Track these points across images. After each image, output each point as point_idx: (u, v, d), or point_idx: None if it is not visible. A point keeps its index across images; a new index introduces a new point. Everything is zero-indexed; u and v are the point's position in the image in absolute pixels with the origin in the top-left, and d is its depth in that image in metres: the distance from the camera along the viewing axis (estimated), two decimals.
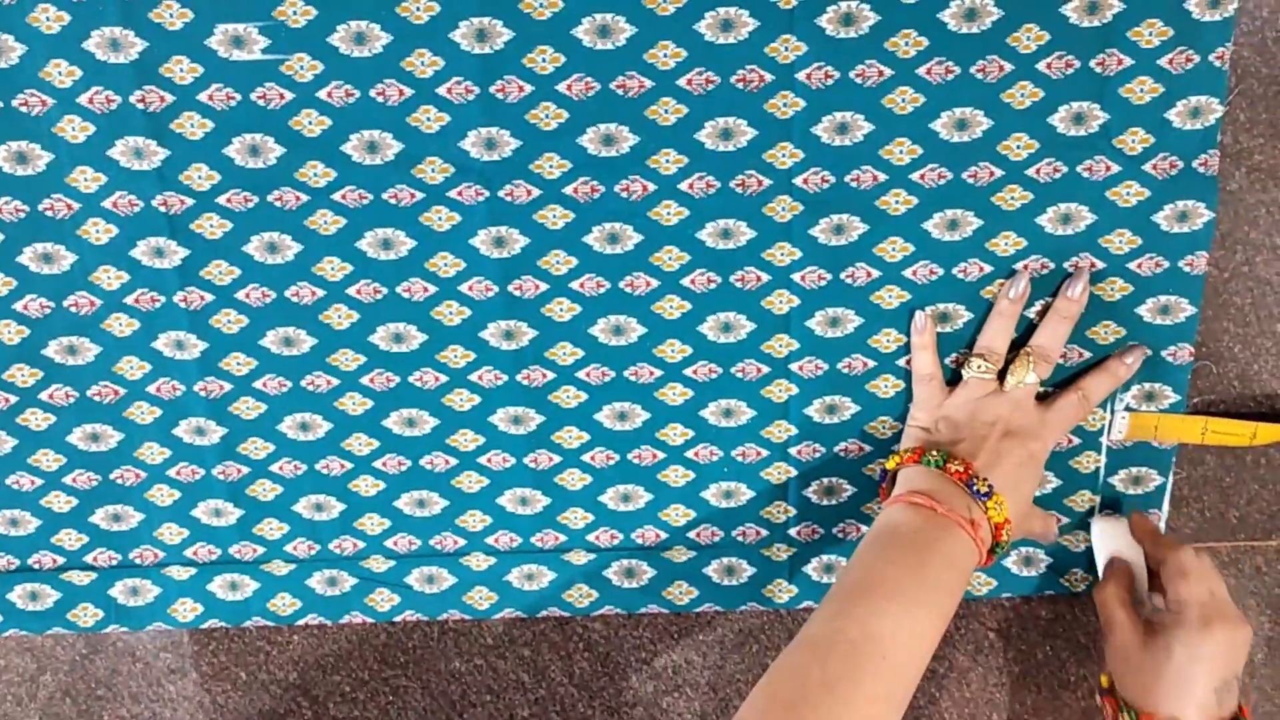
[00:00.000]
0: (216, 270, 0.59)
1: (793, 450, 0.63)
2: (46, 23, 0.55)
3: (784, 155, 0.57)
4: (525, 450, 0.63)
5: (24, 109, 0.56)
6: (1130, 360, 0.60)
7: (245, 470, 0.64)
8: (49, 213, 0.58)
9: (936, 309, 0.60)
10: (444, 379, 0.62)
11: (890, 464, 0.58)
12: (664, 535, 0.65)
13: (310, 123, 0.57)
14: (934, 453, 0.56)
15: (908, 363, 0.61)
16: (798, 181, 0.58)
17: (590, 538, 0.65)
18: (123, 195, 0.58)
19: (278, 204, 0.58)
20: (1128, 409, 0.62)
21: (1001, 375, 0.59)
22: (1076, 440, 0.62)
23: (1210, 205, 0.58)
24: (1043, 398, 0.60)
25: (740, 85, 0.56)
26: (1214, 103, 0.56)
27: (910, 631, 0.50)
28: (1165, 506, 0.64)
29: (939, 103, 0.56)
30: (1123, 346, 0.60)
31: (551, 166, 0.58)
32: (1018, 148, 0.57)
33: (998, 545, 0.55)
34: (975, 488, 0.54)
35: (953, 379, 0.61)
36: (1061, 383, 0.60)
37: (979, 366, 0.59)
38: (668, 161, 0.58)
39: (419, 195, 0.58)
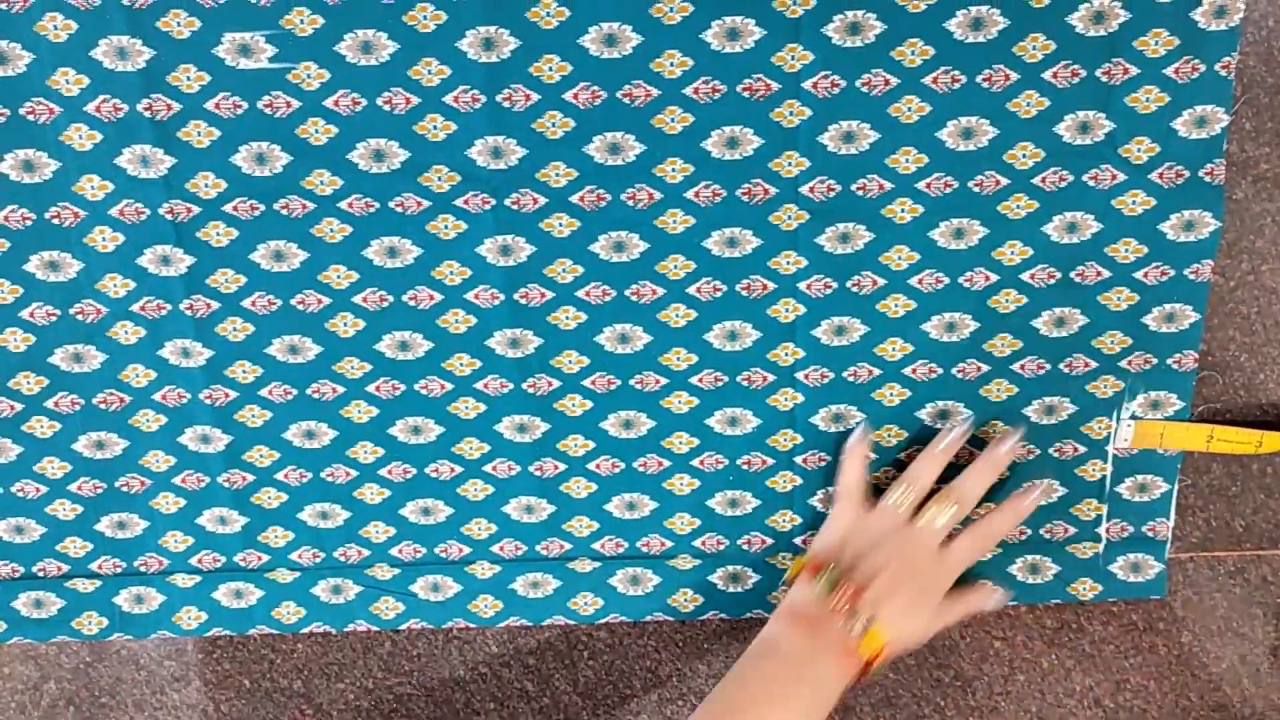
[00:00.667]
0: (223, 278, 0.60)
1: (798, 459, 0.63)
2: (54, 31, 0.55)
3: (790, 164, 0.58)
4: (531, 458, 0.63)
5: (31, 117, 0.56)
6: (1032, 499, 0.61)
7: (250, 478, 0.64)
8: (56, 221, 0.58)
9: (869, 429, 0.62)
10: (450, 387, 0.62)
11: (792, 569, 0.60)
12: (669, 543, 0.65)
13: (317, 131, 0.57)
14: (831, 569, 0.57)
15: (913, 372, 0.61)
16: (804, 190, 0.58)
17: (595, 546, 0.65)
18: (129, 203, 0.58)
19: (284, 212, 0.58)
20: (1133, 417, 0.62)
21: (920, 505, 0.60)
22: (1082, 449, 0.62)
23: (1216, 214, 0.58)
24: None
25: (747, 94, 0.56)
26: (1220, 112, 0.56)
27: None
28: (1171, 515, 0.64)
29: (945, 112, 0.57)
30: (1027, 484, 0.62)
31: (558, 175, 0.58)
32: (1024, 156, 0.57)
33: (868, 673, 0.57)
34: (855, 620, 0.56)
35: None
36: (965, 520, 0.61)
37: (899, 493, 0.60)
38: (674, 170, 0.58)
39: (425, 203, 0.58)
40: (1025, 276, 0.59)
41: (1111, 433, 0.62)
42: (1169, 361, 0.61)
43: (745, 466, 0.63)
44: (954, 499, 0.59)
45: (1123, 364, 0.61)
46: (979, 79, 0.56)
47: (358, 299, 0.60)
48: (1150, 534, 0.64)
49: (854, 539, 0.59)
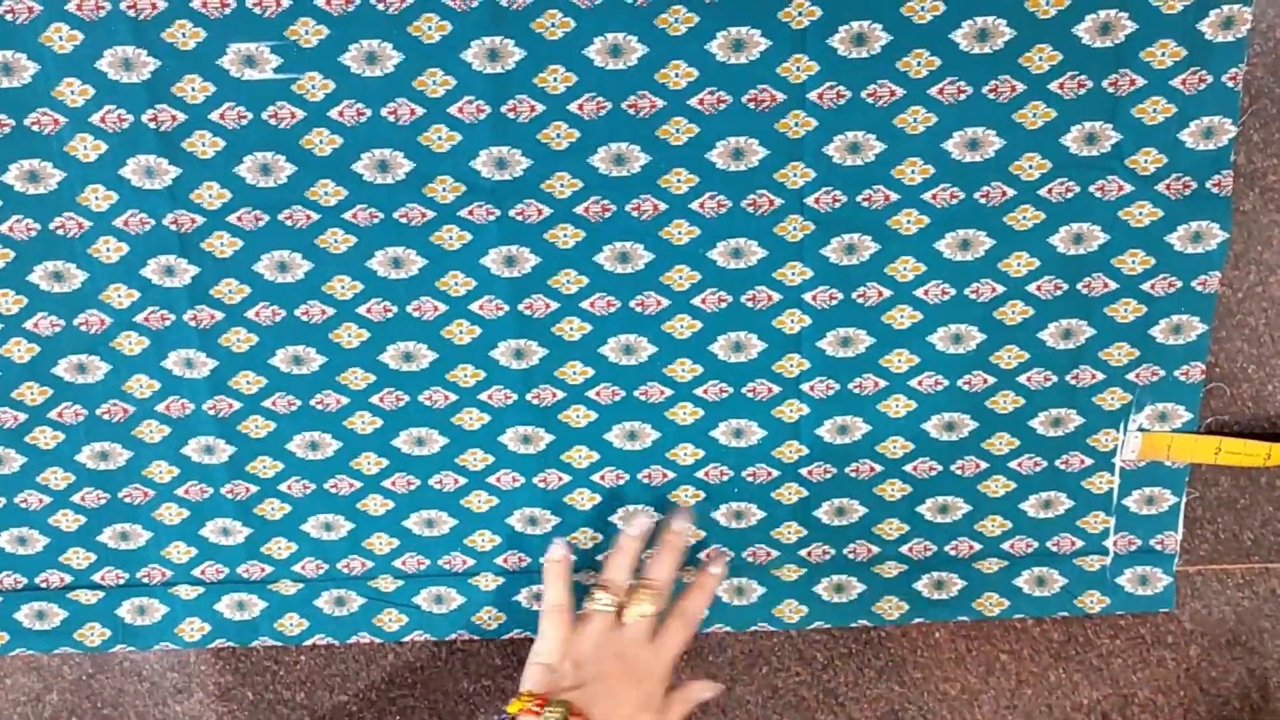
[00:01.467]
0: (227, 289, 0.59)
1: (803, 471, 0.63)
2: (59, 42, 0.55)
3: (795, 175, 0.57)
4: (535, 470, 0.63)
5: (36, 128, 0.56)
6: (718, 571, 0.62)
7: (254, 489, 0.63)
8: (60, 231, 0.58)
9: (566, 541, 0.62)
10: (454, 398, 0.62)
11: (512, 709, 0.56)
12: None
13: (321, 141, 0.57)
14: (554, 706, 0.55)
15: (919, 383, 0.61)
16: (809, 201, 0.58)
17: (600, 558, 0.65)
18: (134, 214, 0.58)
19: (288, 223, 0.58)
20: (1140, 429, 0.61)
21: (622, 609, 0.60)
22: (1089, 460, 0.62)
23: (1224, 225, 0.58)
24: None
25: (752, 105, 0.56)
26: (1227, 123, 0.56)
27: None
28: (1179, 528, 0.63)
29: (951, 122, 0.56)
30: (707, 554, 0.64)
31: (563, 186, 0.58)
32: (1030, 168, 0.57)
33: None
34: None
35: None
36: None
37: (602, 600, 0.59)
38: (679, 181, 0.58)
39: (430, 214, 0.58)
40: (1032, 288, 0.59)
41: (1119, 445, 0.62)
42: (1176, 373, 0.60)
43: (750, 479, 0.63)
44: (653, 589, 0.59)
45: (1130, 376, 0.61)
46: (985, 90, 0.56)
47: (362, 310, 0.60)
48: (1158, 547, 0.64)
49: (574, 657, 0.58)
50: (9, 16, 0.55)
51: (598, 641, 0.58)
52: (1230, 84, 0.55)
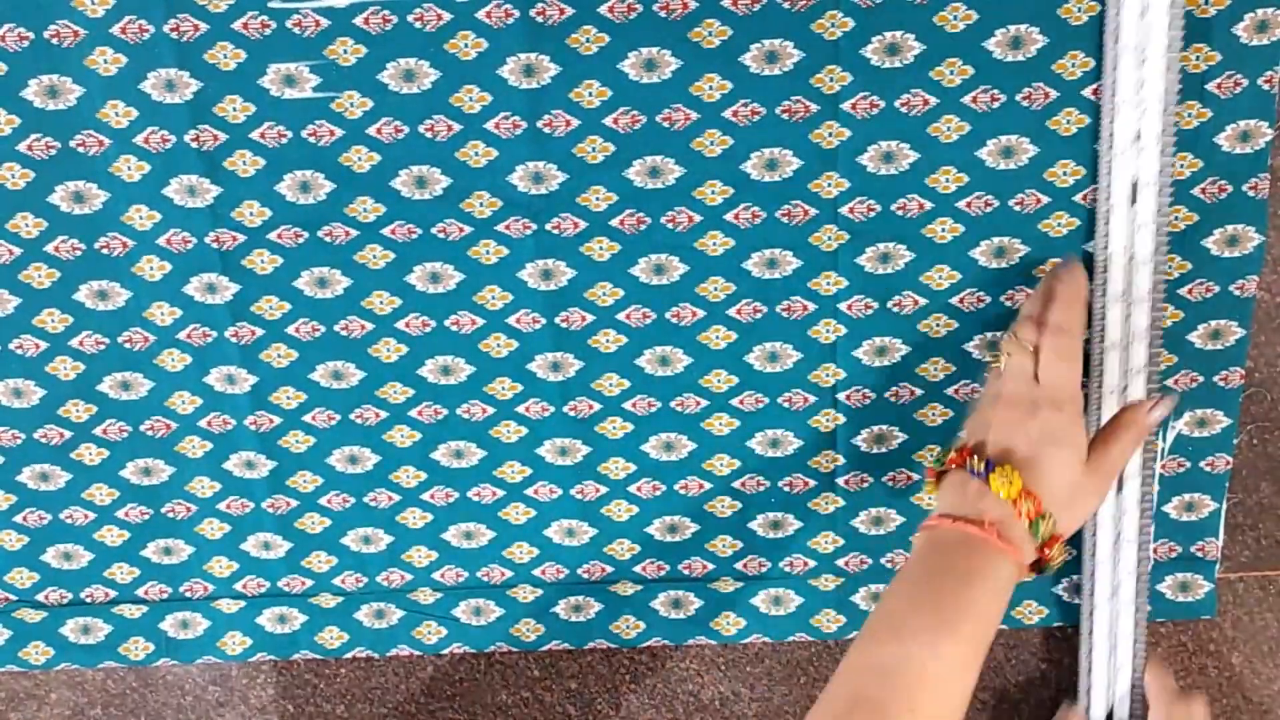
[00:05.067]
0: (267, 305, 0.60)
1: (840, 480, 0.63)
2: (104, 65, 0.56)
3: (830, 185, 0.58)
4: (572, 481, 0.63)
5: (82, 149, 0.57)
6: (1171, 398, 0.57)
7: (294, 503, 0.64)
8: (105, 251, 0.59)
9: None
10: (491, 411, 0.62)
11: (931, 469, 0.55)
12: (711, 566, 0.65)
13: (360, 159, 0.58)
14: (975, 460, 0.53)
15: (956, 392, 0.61)
16: (844, 211, 0.58)
17: (637, 569, 0.65)
18: (176, 232, 0.59)
19: (328, 239, 0.59)
20: (1180, 435, 0.61)
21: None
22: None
23: (1260, 229, 0.58)
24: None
25: (786, 116, 0.57)
26: (1264, 126, 0.56)
27: (941, 673, 0.48)
28: (1220, 534, 0.63)
29: (985, 131, 0.57)
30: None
31: (598, 199, 0.58)
32: (1064, 174, 0.57)
33: (1044, 565, 0.53)
34: (1020, 508, 0.51)
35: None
36: None
37: (1012, 350, 0.55)
38: (713, 193, 0.58)
39: (467, 229, 0.59)
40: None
41: (1158, 452, 0.61)
42: (1215, 379, 0.60)
43: (787, 488, 0.63)
44: (1018, 333, 0.54)
45: (1168, 382, 0.60)
46: (1018, 97, 0.56)
47: (400, 324, 0.60)
48: (1199, 554, 0.63)
49: (1003, 396, 0.54)
50: (55, 41, 0.56)
51: (1013, 401, 0.53)
52: (1266, 87, 0.55)
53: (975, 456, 0.53)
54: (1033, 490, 0.52)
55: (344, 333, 0.61)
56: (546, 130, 0.57)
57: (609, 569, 0.65)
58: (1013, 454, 0.53)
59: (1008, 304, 0.59)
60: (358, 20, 0.55)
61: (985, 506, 0.52)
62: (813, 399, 0.62)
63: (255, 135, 0.57)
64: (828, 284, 0.59)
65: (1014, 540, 0.51)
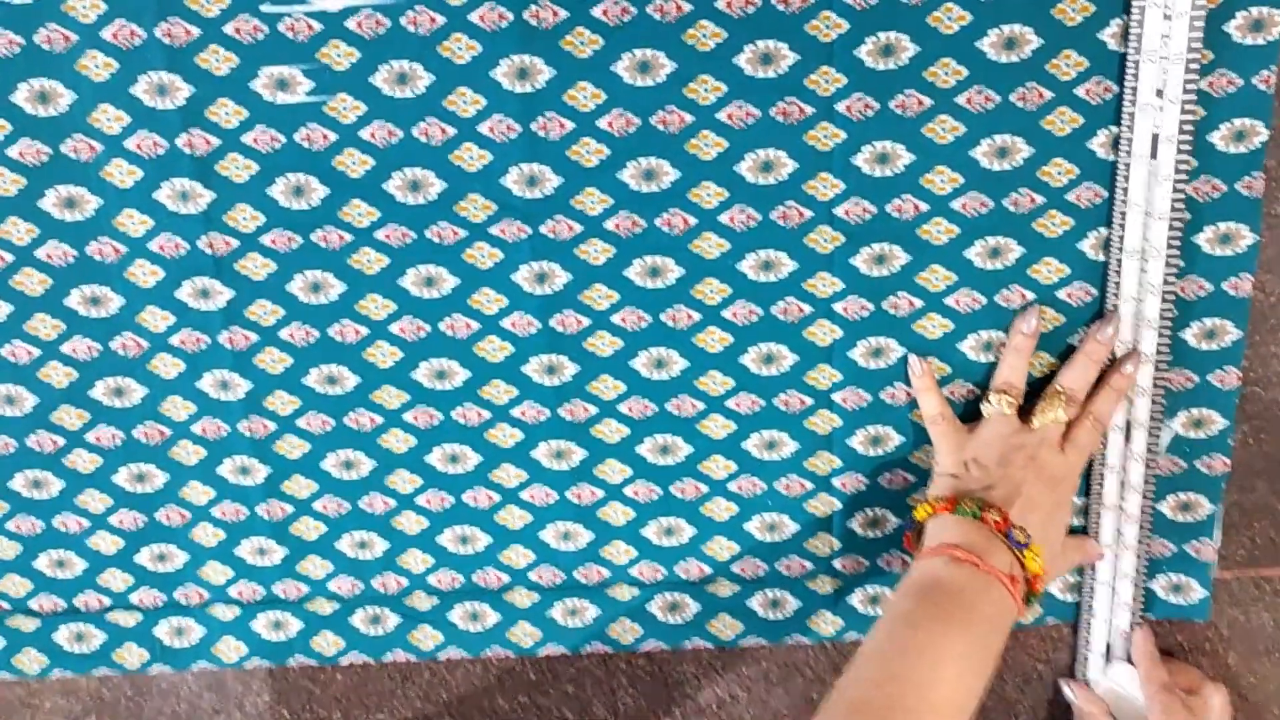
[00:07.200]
0: (261, 310, 0.60)
1: (836, 482, 0.63)
2: (95, 70, 0.56)
3: (825, 186, 0.58)
4: (567, 485, 0.63)
5: (73, 155, 0.57)
6: (1129, 369, 0.58)
7: (289, 509, 0.64)
8: (97, 256, 0.59)
9: (918, 357, 0.60)
10: (487, 414, 0.62)
11: (919, 514, 0.57)
12: (707, 569, 0.65)
13: (353, 163, 0.58)
14: (968, 501, 0.55)
15: (952, 392, 0.61)
16: (839, 212, 0.58)
17: (633, 572, 0.65)
18: (169, 238, 0.59)
19: (321, 243, 0.59)
20: (1175, 436, 0.61)
21: (1021, 413, 0.59)
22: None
23: (1254, 228, 0.58)
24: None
25: (780, 118, 0.57)
26: (1258, 125, 0.56)
27: (956, 696, 0.49)
28: (1216, 534, 0.63)
29: (979, 131, 0.57)
30: (1120, 357, 0.59)
31: (593, 202, 0.58)
32: (1058, 174, 0.57)
33: (1032, 596, 0.54)
34: (1014, 538, 0.54)
35: (964, 415, 0.61)
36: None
37: (1001, 402, 0.58)
38: (708, 195, 0.58)
39: (461, 233, 0.59)
40: (1062, 294, 0.59)
41: (1155, 447, 0.61)
42: (1210, 379, 0.60)
43: (783, 491, 0.63)
44: (1066, 396, 0.57)
45: (1166, 378, 0.60)
46: (1013, 98, 0.56)
47: (395, 328, 0.60)
48: (1194, 554, 0.63)
49: (976, 459, 0.57)
50: (46, 46, 0.55)
51: (1002, 444, 0.57)
52: (1262, 86, 0.55)
53: (973, 500, 0.55)
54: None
55: (338, 337, 0.60)
56: (540, 133, 0.57)
57: (605, 573, 0.65)
58: (1016, 512, 0.55)
59: (1003, 304, 0.59)
60: (350, 24, 0.55)
61: (985, 543, 0.54)
62: (809, 401, 0.61)
63: (248, 139, 0.57)
64: (823, 286, 0.59)
65: (1013, 576, 0.53)
